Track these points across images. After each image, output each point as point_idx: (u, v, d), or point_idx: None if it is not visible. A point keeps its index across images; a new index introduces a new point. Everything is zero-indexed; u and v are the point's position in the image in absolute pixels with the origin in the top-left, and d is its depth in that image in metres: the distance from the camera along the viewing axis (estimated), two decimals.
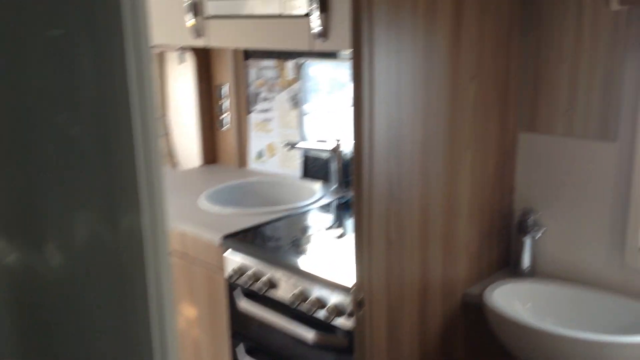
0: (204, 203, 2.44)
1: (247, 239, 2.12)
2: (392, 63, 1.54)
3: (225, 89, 2.95)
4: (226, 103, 2.97)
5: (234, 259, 2.09)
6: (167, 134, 3.20)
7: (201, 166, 3.06)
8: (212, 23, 2.31)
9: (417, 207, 1.70)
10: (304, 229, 2.25)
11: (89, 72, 0.68)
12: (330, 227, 2.25)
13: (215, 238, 2.14)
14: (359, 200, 1.55)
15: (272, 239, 2.17)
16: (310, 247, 2.07)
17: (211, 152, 3.09)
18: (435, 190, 1.76)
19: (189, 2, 2.31)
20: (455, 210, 1.84)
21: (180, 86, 3.07)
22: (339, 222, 2.31)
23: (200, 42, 2.39)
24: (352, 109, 1.52)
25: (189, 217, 2.30)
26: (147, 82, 0.70)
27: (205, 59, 2.97)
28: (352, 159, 1.53)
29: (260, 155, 2.90)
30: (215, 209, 2.38)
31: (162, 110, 3.16)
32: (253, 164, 2.93)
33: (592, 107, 1.83)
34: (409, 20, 1.55)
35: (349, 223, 2.29)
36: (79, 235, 0.74)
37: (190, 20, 2.33)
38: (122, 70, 0.68)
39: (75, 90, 0.67)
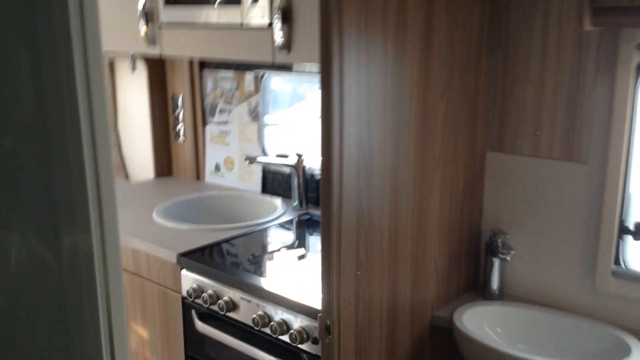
0: (158, 218, 2.31)
1: (204, 257, 2.00)
2: (362, 78, 1.46)
3: (181, 100, 2.83)
4: (182, 114, 2.85)
5: (191, 278, 1.97)
6: (118, 144, 3.05)
7: (155, 179, 2.92)
8: (167, 31, 2.20)
9: (387, 228, 1.62)
10: (265, 248, 2.15)
11: (26, 80, 0.62)
12: (291, 246, 2.15)
13: (171, 256, 2.01)
14: (327, 223, 1.45)
15: (231, 257, 2.06)
16: (271, 268, 1.96)
17: (166, 164, 2.96)
18: (405, 210, 1.68)
19: (142, 8, 2.19)
20: (425, 231, 1.77)
21: (133, 95, 2.93)
22: (301, 241, 2.22)
23: (153, 51, 2.27)
24: (320, 126, 1.43)
25: (142, 233, 2.17)
26: (97, 90, 0.65)
27: (159, 68, 2.85)
28: (318, 176, 1.44)
29: (217, 168, 2.78)
30: (170, 224, 2.26)
31: (113, 119, 3.01)
32: (210, 177, 2.81)
33: (557, 128, 1.80)
34: (380, 36, 1.48)
35: (312, 241, 2.19)
36: (13, 257, 0.68)
37: (142, 28, 2.21)
38: (68, 77, 0.63)
39: (8, 99, 0.61)
